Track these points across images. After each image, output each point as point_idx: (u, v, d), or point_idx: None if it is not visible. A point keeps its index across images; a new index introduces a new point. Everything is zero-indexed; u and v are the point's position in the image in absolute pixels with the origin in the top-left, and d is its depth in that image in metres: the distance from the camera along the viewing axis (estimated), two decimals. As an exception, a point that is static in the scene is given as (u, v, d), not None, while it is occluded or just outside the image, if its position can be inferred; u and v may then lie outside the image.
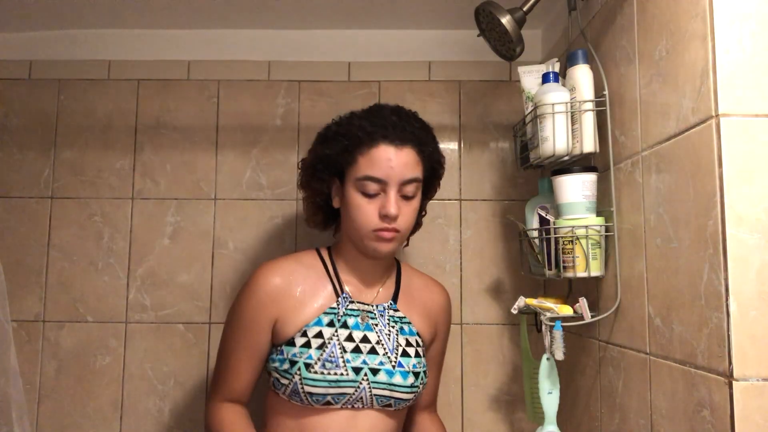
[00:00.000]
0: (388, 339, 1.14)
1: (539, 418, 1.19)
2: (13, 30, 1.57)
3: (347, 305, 1.15)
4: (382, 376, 1.11)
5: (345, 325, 1.12)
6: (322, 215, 1.23)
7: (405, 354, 1.15)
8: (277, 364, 1.11)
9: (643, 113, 0.98)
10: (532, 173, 1.47)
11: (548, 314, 1.12)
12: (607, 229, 1.09)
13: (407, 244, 1.31)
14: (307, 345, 1.09)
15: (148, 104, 1.57)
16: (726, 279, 0.74)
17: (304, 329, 1.10)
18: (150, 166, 1.55)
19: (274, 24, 1.56)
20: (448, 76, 1.58)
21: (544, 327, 1.12)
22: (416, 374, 1.14)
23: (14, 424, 0.93)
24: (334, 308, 1.13)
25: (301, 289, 1.14)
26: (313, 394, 1.07)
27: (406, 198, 1.11)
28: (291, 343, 1.10)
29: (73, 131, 1.56)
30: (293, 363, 1.08)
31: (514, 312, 1.18)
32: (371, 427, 1.12)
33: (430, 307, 1.26)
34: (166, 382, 1.50)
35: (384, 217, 1.08)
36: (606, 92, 1.10)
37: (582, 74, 1.12)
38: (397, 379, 1.12)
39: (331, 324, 1.11)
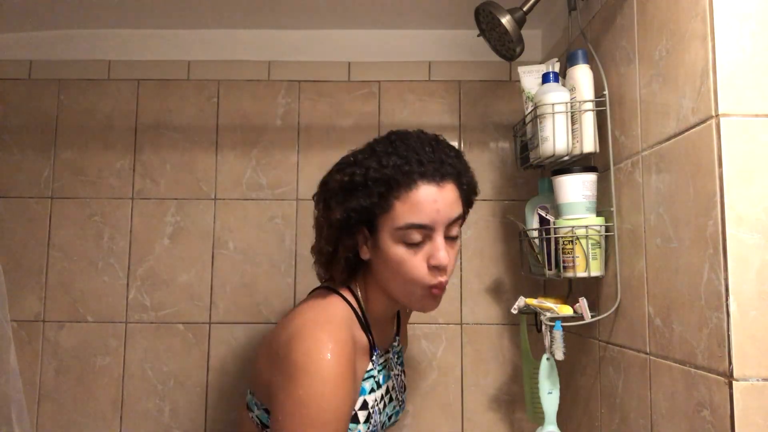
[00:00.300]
0: (397, 380, 1.13)
1: (539, 418, 1.19)
2: (13, 30, 1.57)
3: (378, 360, 1.02)
4: (392, 420, 1.11)
5: (379, 384, 1.02)
6: (348, 269, 1.01)
7: (404, 389, 1.17)
8: None
9: (643, 113, 0.98)
10: (532, 173, 1.47)
11: (548, 314, 1.12)
12: (607, 229, 1.09)
13: None
14: (356, 420, 0.95)
15: (148, 104, 1.57)
16: (726, 279, 0.74)
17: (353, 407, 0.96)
18: (150, 166, 1.55)
19: (274, 24, 1.56)
20: (448, 76, 1.58)
21: (544, 327, 1.12)
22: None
23: (14, 424, 0.93)
24: (371, 371, 1.00)
25: (354, 361, 0.94)
26: None
27: (451, 239, 0.96)
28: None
29: (73, 131, 1.56)
30: None
31: (514, 312, 1.18)
32: None
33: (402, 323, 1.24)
34: (166, 382, 1.50)
35: (434, 268, 0.93)
36: (606, 92, 1.10)
37: (582, 74, 1.12)
38: (399, 416, 1.15)
39: (371, 390, 0.99)
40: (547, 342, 1.11)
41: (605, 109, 1.10)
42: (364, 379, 0.97)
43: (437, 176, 0.92)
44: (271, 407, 0.90)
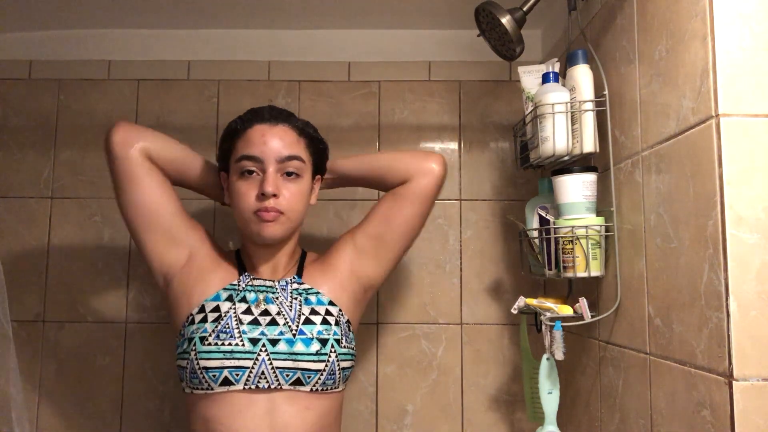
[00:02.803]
0: (290, 310, 1.09)
1: (539, 418, 1.19)
2: (13, 30, 1.57)
3: (248, 281, 1.13)
4: (281, 346, 1.04)
5: (244, 300, 1.09)
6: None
7: (308, 322, 1.08)
8: (178, 350, 1.07)
9: (643, 113, 0.98)
10: (532, 173, 1.47)
11: (548, 314, 1.12)
12: (607, 229, 1.09)
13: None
14: (204, 320, 1.06)
15: (148, 104, 1.57)
16: (726, 279, 0.74)
17: (202, 304, 1.08)
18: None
19: (274, 24, 1.56)
20: (448, 76, 1.58)
21: (544, 327, 1.12)
22: (323, 341, 1.06)
23: (14, 424, 0.93)
24: (234, 284, 1.11)
25: (206, 260, 1.14)
26: (209, 368, 1.01)
27: (290, 176, 1.08)
28: (191, 321, 1.07)
29: (73, 131, 1.56)
30: (190, 340, 1.04)
31: (514, 312, 1.18)
32: (289, 420, 1.03)
33: (332, 259, 1.19)
34: (166, 382, 1.50)
35: (261, 195, 1.05)
36: (606, 92, 1.10)
37: (582, 74, 1.12)
38: (299, 347, 1.04)
39: (229, 299, 1.09)
40: (547, 342, 1.11)
41: (605, 109, 1.10)
42: (224, 288, 1.11)
43: (270, 118, 1.11)
44: None
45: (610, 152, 1.09)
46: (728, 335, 0.74)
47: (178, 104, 1.57)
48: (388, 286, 1.52)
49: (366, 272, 1.19)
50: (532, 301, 1.16)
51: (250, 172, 1.07)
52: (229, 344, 1.03)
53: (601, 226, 1.09)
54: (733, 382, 0.73)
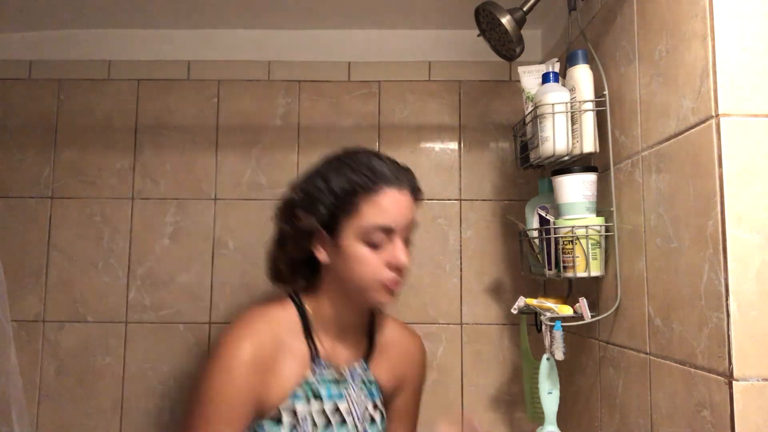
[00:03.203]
0: (358, 406, 1.07)
1: (539, 418, 1.19)
2: (13, 30, 1.57)
3: (321, 372, 1.04)
4: None
5: (318, 396, 1.03)
6: (303, 275, 1.09)
7: (372, 420, 1.09)
8: None
9: (643, 113, 0.98)
10: (532, 173, 1.47)
11: (548, 314, 1.12)
12: (607, 229, 1.09)
13: None
14: (278, 420, 0.99)
15: (148, 104, 1.57)
16: (726, 279, 0.74)
17: (278, 409, 1.00)
18: (150, 166, 1.55)
19: (274, 24, 1.56)
20: (448, 76, 1.58)
21: (544, 327, 1.12)
22: None
23: (14, 424, 0.93)
24: (309, 381, 1.03)
25: (278, 357, 1.01)
26: None
27: (407, 243, 1.04)
28: (264, 425, 1.01)
29: (73, 131, 1.56)
30: None
31: (514, 312, 1.18)
32: None
33: (401, 362, 1.17)
34: (166, 382, 1.50)
35: (394, 268, 1.00)
36: (606, 92, 1.10)
37: (582, 74, 1.12)
38: None
39: (306, 398, 1.02)
40: (547, 342, 1.11)
41: (605, 109, 1.10)
42: (298, 386, 1.01)
43: (398, 182, 1.01)
44: None
45: (610, 152, 1.09)
46: (728, 335, 0.74)
47: (178, 104, 1.57)
48: (388, 286, 1.52)
49: (394, 400, 1.19)
50: (532, 301, 1.16)
51: (379, 242, 1.00)
52: None
53: (601, 226, 1.09)
54: (733, 382, 0.73)
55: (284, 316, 1.05)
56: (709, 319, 0.78)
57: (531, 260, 1.29)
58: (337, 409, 1.04)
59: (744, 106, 0.76)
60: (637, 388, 0.99)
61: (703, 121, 0.79)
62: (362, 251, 0.99)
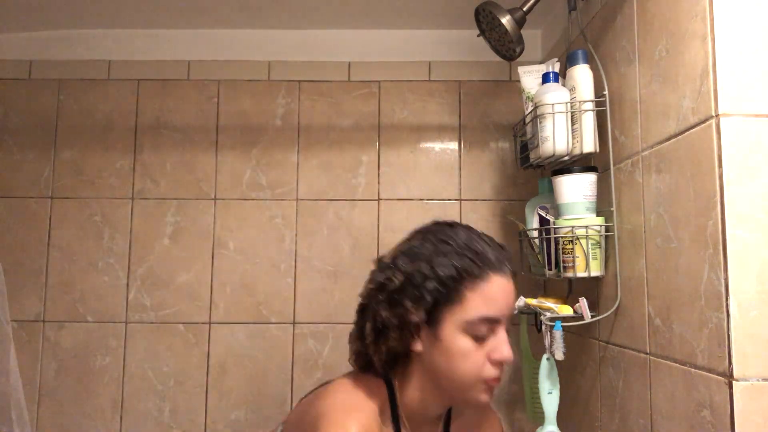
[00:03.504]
0: None
1: (539, 418, 1.19)
2: (13, 30, 1.57)
3: None
4: None
5: None
6: (391, 359, 0.95)
7: None
8: None
9: (643, 113, 0.98)
10: (532, 173, 1.47)
11: (548, 314, 1.12)
12: (607, 229, 1.09)
13: None
14: None
15: (148, 104, 1.57)
16: (726, 279, 0.74)
17: None
18: (150, 166, 1.55)
19: (274, 24, 1.56)
20: (448, 76, 1.58)
21: (544, 327, 1.12)
22: None
23: (14, 424, 0.93)
24: None
25: None
26: None
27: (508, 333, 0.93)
28: None
29: (73, 131, 1.56)
30: None
31: (514, 312, 1.17)
32: None
33: None
34: (166, 382, 1.50)
35: (497, 363, 0.89)
36: (606, 92, 1.10)
37: (582, 74, 1.12)
38: None
39: None
40: (547, 342, 1.11)
41: (605, 109, 1.10)
42: None
43: (505, 268, 0.91)
44: None
45: (610, 152, 1.09)
46: (728, 335, 0.74)
47: (178, 104, 1.57)
48: (388, 286, 1.52)
49: None
50: (532, 301, 1.16)
51: (484, 335, 0.89)
52: None
53: (601, 226, 1.09)
54: (733, 382, 0.73)
55: (377, 401, 0.93)
56: (709, 319, 0.78)
57: (531, 260, 1.29)
58: None
59: (744, 106, 0.76)
60: (637, 388, 0.99)
61: (703, 121, 0.79)
62: (465, 345, 0.88)
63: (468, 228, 0.96)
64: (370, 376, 0.96)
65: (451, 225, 0.96)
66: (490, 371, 0.89)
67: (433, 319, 0.89)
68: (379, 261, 0.97)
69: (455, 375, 0.89)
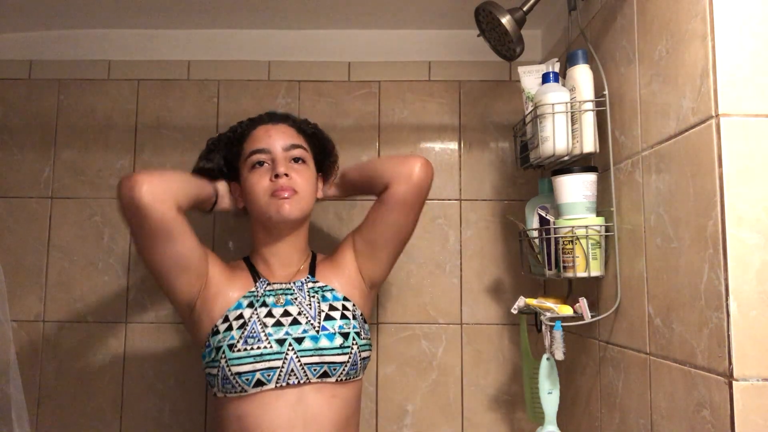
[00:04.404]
0: (309, 308, 1.14)
1: (539, 418, 1.19)
2: (13, 30, 1.57)
3: (265, 287, 1.16)
4: (307, 343, 1.09)
5: (264, 304, 1.13)
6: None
7: (329, 318, 1.13)
8: (206, 360, 1.09)
9: (643, 113, 0.98)
10: (532, 173, 1.47)
11: (548, 314, 1.12)
12: (607, 229, 1.09)
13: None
14: (229, 328, 1.09)
15: (148, 104, 1.57)
16: (726, 279, 0.74)
17: (225, 314, 1.11)
18: (150, 166, 1.55)
19: (274, 24, 1.56)
20: (448, 76, 1.58)
21: (544, 327, 1.12)
22: (344, 335, 1.11)
23: (14, 424, 0.93)
24: (252, 291, 1.15)
25: (222, 276, 1.16)
26: (241, 373, 1.05)
27: (296, 162, 1.17)
28: (215, 332, 1.10)
29: (73, 131, 1.56)
30: (218, 349, 1.07)
31: (514, 312, 1.18)
32: (318, 409, 1.08)
33: (339, 258, 1.24)
34: (166, 382, 1.50)
35: (276, 177, 1.13)
36: (606, 92, 1.10)
37: (582, 74, 1.12)
38: (324, 342, 1.09)
39: (250, 305, 1.12)
40: (547, 342, 1.11)
41: (605, 109, 1.10)
42: (244, 296, 1.14)
43: (269, 120, 1.23)
44: None
45: (610, 152, 1.09)
46: (728, 335, 0.74)
47: (178, 104, 1.57)
48: (388, 286, 1.52)
49: (367, 271, 1.23)
50: (532, 301, 1.16)
51: (261, 164, 1.16)
52: (258, 348, 1.07)
53: (601, 226, 1.09)
54: (733, 382, 0.73)
55: (236, 263, 1.23)
56: (709, 319, 0.78)
57: (531, 260, 1.29)
58: (288, 314, 1.13)
59: (744, 106, 0.76)
60: (637, 388, 0.99)
61: (703, 121, 0.79)
62: (250, 177, 1.16)
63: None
64: None
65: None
66: (272, 185, 1.13)
67: (234, 174, 1.22)
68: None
69: (254, 201, 1.15)
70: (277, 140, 1.17)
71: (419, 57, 1.58)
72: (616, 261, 1.08)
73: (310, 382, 1.08)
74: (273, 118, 1.23)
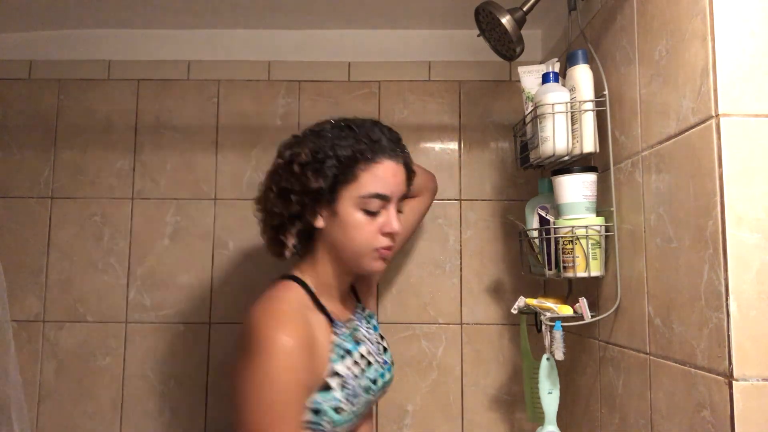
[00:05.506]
0: (372, 344, 1.13)
1: (539, 418, 1.19)
2: (13, 30, 1.57)
3: (341, 330, 1.07)
4: (379, 383, 1.11)
5: (348, 351, 1.05)
6: (299, 240, 1.10)
7: (385, 350, 1.17)
8: (305, 418, 0.99)
9: (643, 113, 0.98)
10: (532, 173, 1.47)
11: (548, 314, 1.12)
12: (607, 229, 1.09)
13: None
14: (327, 388, 1.00)
15: (148, 104, 1.57)
16: (726, 279, 0.74)
17: (323, 378, 1.00)
18: (150, 166, 1.55)
19: (274, 24, 1.56)
20: (448, 76, 1.58)
21: (544, 327, 1.12)
22: (392, 362, 1.18)
23: (14, 424, 0.93)
24: (337, 343, 1.05)
25: (311, 333, 1.01)
26: (344, 427, 1.03)
27: (399, 212, 1.10)
28: (315, 392, 1.00)
29: (73, 131, 1.56)
30: (317, 411, 0.98)
31: (514, 312, 1.18)
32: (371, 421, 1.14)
33: (366, 278, 1.25)
34: (166, 382, 1.50)
35: (387, 234, 1.05)
36: (606, 92, 1.10)
37: (582, 74, 1.12)
38: (388, 377, 1.14)
39: (341, 357, 1.04)
40: (547, 342, 1.11)
41: (605, 109, 1.10)
42: (331, 351, 1.03)
43: (396, 154, 1.07)
44: (234, 395, 0.96)
45: (610, 152, 1.09)
46: (728, 335, 0.74)
47: (178, 104, 1.57)
48: (388, 286, 1.53)
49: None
50: (532, 301, 1.16)
51: (375, 210, 1.04)
52: (357, 404, 1.04)
53: (601, 226, 1.09)
54: (733, 382, 0.73)
55: (297, 297, 1.05)
56: (709, 319, 0.78)
57: (531, 260, 1.29)
58: (362, 356, 1.08)
59: (744, 106, 0.76)
60: (637, 388, 0.99)
61: (703, 121, 0.79)
62: (359, 218, 1.03)
63: (373, 121, 1.10)
64: (281, 283, 1.08)
65: (359, 118, 1.11)
66: (382, 241, 1.05)
67: (332, 197, 1.04)
68: (290, 142, 1.09)
69: (351, 245, 1.04)
70: (398, 186, 1.06)
71: (419, 57, 1.58)
72: (616, 261, 1.07)
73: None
74: (394, 148, 1.07)
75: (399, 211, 1.09)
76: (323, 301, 1.07)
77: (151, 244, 1.53)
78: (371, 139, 1.04)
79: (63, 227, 1.54)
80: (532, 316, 1.34)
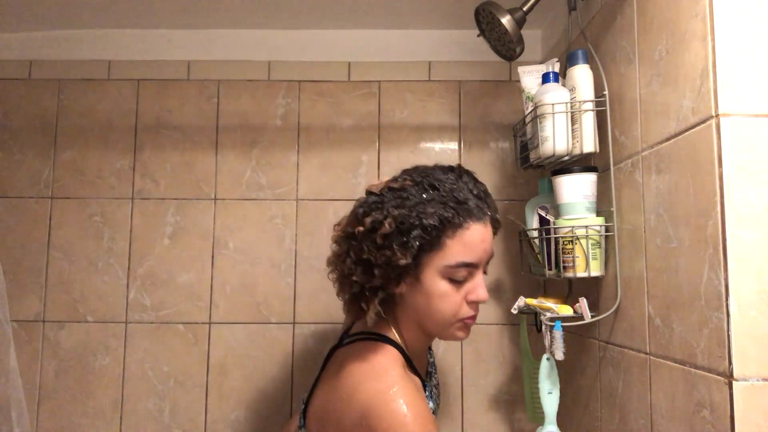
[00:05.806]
0: (437, 389, 1.14)
1: (539, 418, 1.19)
2: (13, 30, 1.57)
3: (428, 392, 1.02)
4: None
5: (434, 412, 1.02)
6: (381, 304, 1.00)
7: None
8: None
9: (643, 113, 0.98)
10: (532, 173, 1.47)
11: (548, 314, 1.12)
12: (607, 229, 1.09)
13: None
14: None
15: (148, 104, 1.57)
16: (726, 279, 0.74)
17: None
18: (150, 166, 1.55)
19: (274, 24, 1.56)
20: (448, 76, 1.58)
21: (544, 327, 1.12)
22: None
23: (14, 424, 0.93)
24: (432, 408, 1.00)
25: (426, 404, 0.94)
26: None
27: (484, 273, 1.01)
28: None
29: (73, 131, 1.56)
30: None
31: (514, 312, 1.18)
32: None
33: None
34: (166, 382, 1.50)
35: (473, 303, 0.98)
36: (606, 92, 1.10)
37: (582, 74, 1.12)
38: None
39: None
40: (547, 342, 1.11)
41: (605, 109, 1.10)
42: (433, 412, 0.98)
43: (484, 217, 0.97)
44: None
45: (610, 152, 1.09)
46: (728, 335, 0.74)
47: (178, 104, 1.57)
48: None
49: None
50: (532, 301, 1.16)
51: (462, 278, 0.96)
52: None
53: (601, 226, 1.09)
54: (733, 382, 0.73)
55: (400, 362, 0.97)
56: (709, 319, 0.78)
57: (531, 260, 1.29)
58: (434, 411, 1.04)
59: (744, 106, 0.76)
60: (637, 388, 0.99)
61: (703, 121, 0.79)
62: (445, 288, 0.95)
63: (458, 174, 1.01)
64: (370, 344, 0.98)
65: (441, 172, 1.01)
66: (467, 311, 0.97)
67: (415, 263, 0.94)
68: (368, 195, 1.00)
69: (436, 315, 0.97)
70: (486, 251, 0.98)
71: (419, 57, 1.58)
72: (616, 261, 1.07)
73: None
74: (484, 211, 0.98)
75: (484, 272, 1.00)
76: (415, 361, 1.01)
77: (151, 244, 1.53)
78: (458, 201, 0.95)
79: (63, 227, 1.54)
80: (532, 316, 1.34)
